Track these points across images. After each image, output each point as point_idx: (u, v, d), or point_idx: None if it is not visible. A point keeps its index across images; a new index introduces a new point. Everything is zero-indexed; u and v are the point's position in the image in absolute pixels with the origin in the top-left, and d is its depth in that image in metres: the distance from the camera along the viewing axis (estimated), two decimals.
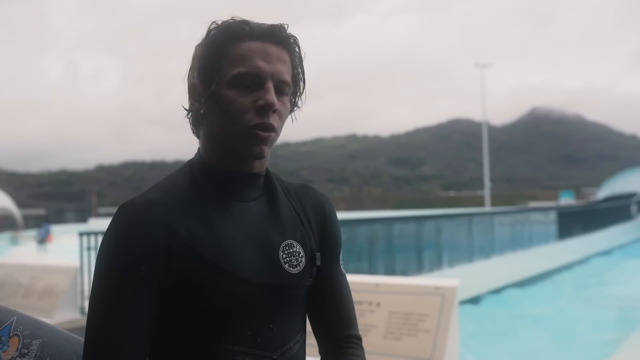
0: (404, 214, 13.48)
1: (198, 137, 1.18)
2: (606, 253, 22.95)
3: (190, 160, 1.18)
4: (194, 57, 1.13)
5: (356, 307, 5.14)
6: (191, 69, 1.13)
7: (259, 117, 1.08)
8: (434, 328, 4.49)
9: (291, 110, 1.18)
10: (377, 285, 4.76)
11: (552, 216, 19.03)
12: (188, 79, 1.14)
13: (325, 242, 1.26)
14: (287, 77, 1.12)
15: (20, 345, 1.08)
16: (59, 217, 48.66)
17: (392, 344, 4.70)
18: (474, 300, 11.26)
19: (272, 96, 1.08)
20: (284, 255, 1.16)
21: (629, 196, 38.68)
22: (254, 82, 1.08)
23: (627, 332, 9.73)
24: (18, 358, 1.07)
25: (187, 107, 1.16)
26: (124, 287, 1.04)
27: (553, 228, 18.61)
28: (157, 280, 1.06)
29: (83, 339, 1.07)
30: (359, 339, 1.27)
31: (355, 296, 5.18)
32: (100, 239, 8.42)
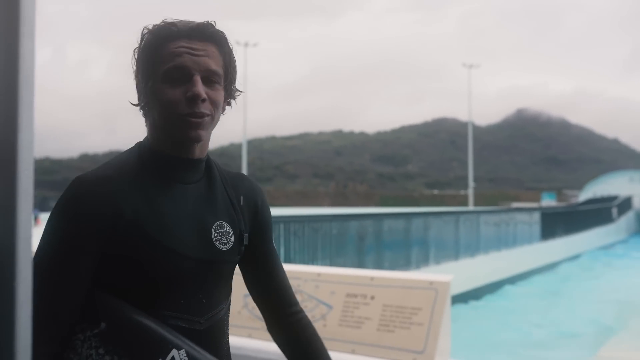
0: (393, 211, 13.58)
1: (147, 126, 1.30)
2: (588, 254, 23.28)
3: (140, 144, 1.30)
4: (135, 59, 1.26)
5: (351, 299, 5.18)
6: (135, 69, 1.27)
7: (189, 106, 1.20)
8: (427, 321, 4.59)
9: (230, 97, 1.32)
10: (372, 278, 4.85)
11: (536, 217, 19.23)
12: (134, 78, 1.28)
13: (258, 227, 1.41)
14: (215, 67, 1.24)
15: None
16: (42, 205, 48.24)
17: (386, 336, 4.80)
18: (461, 297, 11.40)
19: (198, 88, 1.21)
20: (216, 234, 1.30)
21: (610, 199, 39.17)
22: (183, 75, 1.21)
23: (608, 330, 9.94)
24: None
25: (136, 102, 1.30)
26: (66, 257, 1.15)
27: (537, 228, 18.82)
28: (99, 253, 1.18)
29: None
30: (301, 310, 1.45)
31: (350, 289, 5.23)
32: None
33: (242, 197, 1.38)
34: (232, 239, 1.32)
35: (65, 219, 1.16)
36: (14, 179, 0.55)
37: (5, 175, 0.55)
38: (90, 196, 1.16)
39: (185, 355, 1.17)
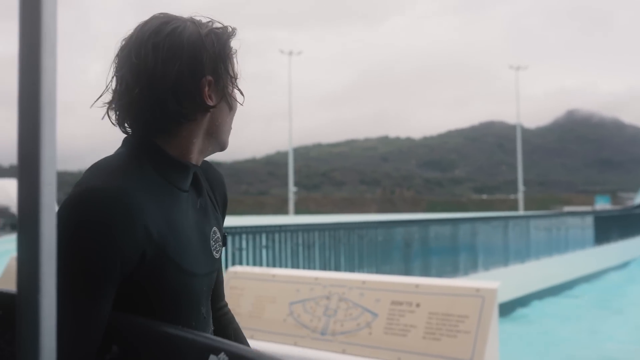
0: (439, 217, 13.47)
1: (163, 131, 1.12)
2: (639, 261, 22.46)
3: (137, 149, 1.11)
4: (198, 50, 1.10)
5: (396, 307, 5.12)
6: (196, 62, 1.09)
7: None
8: (474, 329, 4.51)
9: None
10: (417, 286, 4.80)
11: (589, 221, 18.69)
12: (198, 73, 1.10)
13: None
14: None
15: None
16: None
17: (432, 345, 4.74)
18: (510, 305, 11.16)
19: None
20: (213, 243, 1.21)
21: None
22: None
23: None
24: None
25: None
26: (88, 293, 0.97)
27: (590, 233, 18.29)
28: (121, 281, 1.02)
29: None
30: (227, 304, 1.39)
31: (395, 296, 5.19)
32: None
33: (216, 192, 1.28)
34: (221, 243, 1.24)
35: (88, 244, 0.95)
36: (37, 191, 0.57)
37: (29, 188, 0.57)
38: (117, 219, 0.97)
39: (225, 356, 0.97)
